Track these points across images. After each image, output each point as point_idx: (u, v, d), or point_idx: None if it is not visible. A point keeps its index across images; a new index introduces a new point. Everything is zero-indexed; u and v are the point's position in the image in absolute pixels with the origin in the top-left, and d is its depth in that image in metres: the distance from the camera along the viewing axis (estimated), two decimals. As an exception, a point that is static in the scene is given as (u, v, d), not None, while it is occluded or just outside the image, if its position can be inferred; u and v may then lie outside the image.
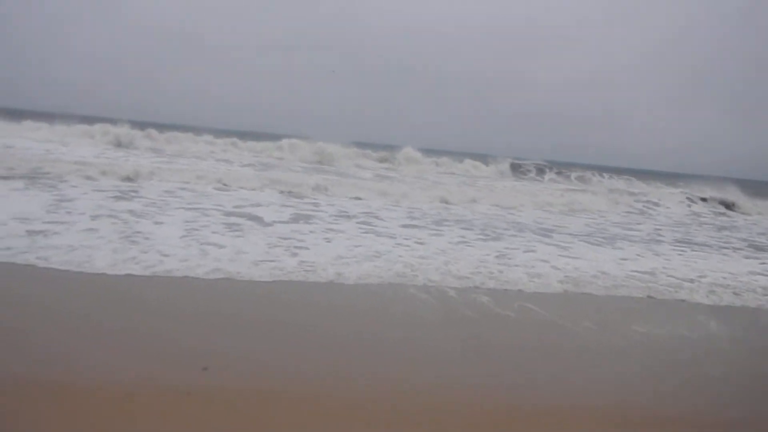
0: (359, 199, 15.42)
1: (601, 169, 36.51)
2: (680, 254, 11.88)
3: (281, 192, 14.94)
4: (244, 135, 30.85)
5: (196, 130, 29.70)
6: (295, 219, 11.39)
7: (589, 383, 4.89)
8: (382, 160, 29.27)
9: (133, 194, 12.24)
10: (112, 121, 27.47)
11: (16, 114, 30.47)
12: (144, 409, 3.71)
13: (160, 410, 3.69)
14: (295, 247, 8.63)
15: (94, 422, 3.52)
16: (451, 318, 6.22)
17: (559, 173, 33.72)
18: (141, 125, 28.76)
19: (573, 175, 33.43)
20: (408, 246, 9.63)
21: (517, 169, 32.99)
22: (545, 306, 6.89)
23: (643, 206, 22.21)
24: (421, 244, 10.00)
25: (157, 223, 9.41)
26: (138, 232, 8.43)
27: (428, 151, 32.18)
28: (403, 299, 6.69)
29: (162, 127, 29.68)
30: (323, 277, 7.16)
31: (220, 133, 29.80)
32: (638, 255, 11.11)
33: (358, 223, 11.77)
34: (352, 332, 5.57)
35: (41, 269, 6.37)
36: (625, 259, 10.46)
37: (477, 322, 6.18)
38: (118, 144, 24.16)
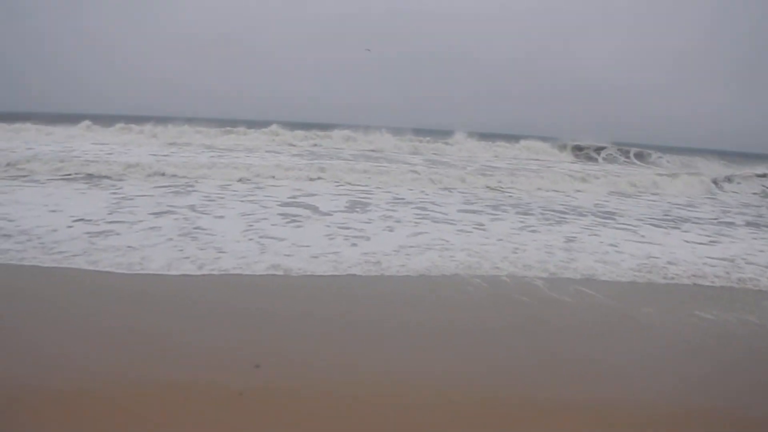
0: (413, 185, 15.00)
1: (657, 149, 34.72)
2: (755, 238, 11.01)
3: (335, 181, 14.66)
4: (292, 126, 30.71)
5: (246, 124, 29.81)
6: (351, 207, 11.07)
7: (691, 384, 4.38)
8: (432, 144, 28.64)
9: (191, 190, 12.16)
10: (164, 120, 27.88)
11: (74, 117, 31.09)
12: (197, 407, 3.51)
13: (213, 408, 3.50)
14: (355, 237, 8.29)
15: (152, 420, 3.33)
16: (527, 312, 5.74)
17: (620, 152, 32.02)
18: (191, 122, 29.03)
19: (632, 151, 31.83)
20: (470, 233, 9.18)
21: (575, 150, 31.55)
22: (624, 297, 6.36)
23: (712, 187, 20.90)
24: (482, 230, 9.54)
25: (217, 217, 9.22)
26: (198, 228, 8.23)
27: (480, 135, 31.40)
28: (473, 291, 6.23)
29: (212, 122, 29.89)
30: (387, 269, 6.74)
31: (266, 124, 29.69)
32: (711, 239, 10.36)
33: (414, 209, 11.38)
34: (416, 327, 5.14)
35: (101, 273, 6.13)
36: (699, 244, 9.73)
37: (558, 318, 5.68)
38: (172, 142, 24.29)
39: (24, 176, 12.91)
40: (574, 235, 9.57)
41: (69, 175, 13.11)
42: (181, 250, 7.00)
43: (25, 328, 4.66)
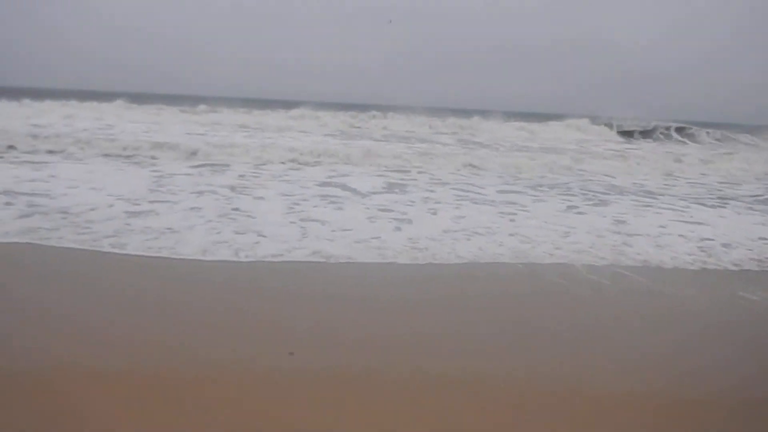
0: (449, 165, 14.53)
1: (699, 125, 33.24)
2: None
3: (369, 162, 14.25)
4: (322, 106, 30.29)
5: (277, 104, 29.50)
6: (390, 188, 10.68)
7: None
8: (463, 127, 27.96)
9: (227, 169, 11.91)
10: (196, 99, 27.75)
11: (108, 95, 31.14)
12: (230, 393, 3.27)
13: (246, 394, 3.27)
14: (397, 219, 7.89)
15: (186, 404, 3.10)
16: (591, 305, 5.30)
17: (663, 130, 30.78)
18: (226, 102, 28.83)
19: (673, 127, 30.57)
20: (514, 215, 8.72)
21: (617, 128, 30.42)
22: (690, 285, 5.89)
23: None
24: (526, 211, 9.08)
25: (257, 198, 8.91)
26: (237, 209, 7.92)
27: (514, 114, 30.63)
28: (527, 280, 5.80)
29: (245, 102, 29.67)
30: (435, 256, 6.27)
31: (295, 104, 29.27)
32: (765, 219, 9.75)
33: (453, 189, 10.97)
34: (467, 317, 4.74)
35: (129, 257, 5.76)
36: (756, 224, 9.14)
37: (625, 311, 5.25)
38: (208, 122, 24.06)
39: (60, 151, 12.81)
40: (621, 216, 9.05)
41: (111, 155, 12.96)
42: (219, 233, 6.67)
43: (46, 313, 4.36)
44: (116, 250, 5.86)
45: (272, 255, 5.98)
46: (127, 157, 12.73)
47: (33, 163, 11.38)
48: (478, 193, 10.73)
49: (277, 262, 5.81)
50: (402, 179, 11.94)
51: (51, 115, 21.74)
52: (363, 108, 30.18)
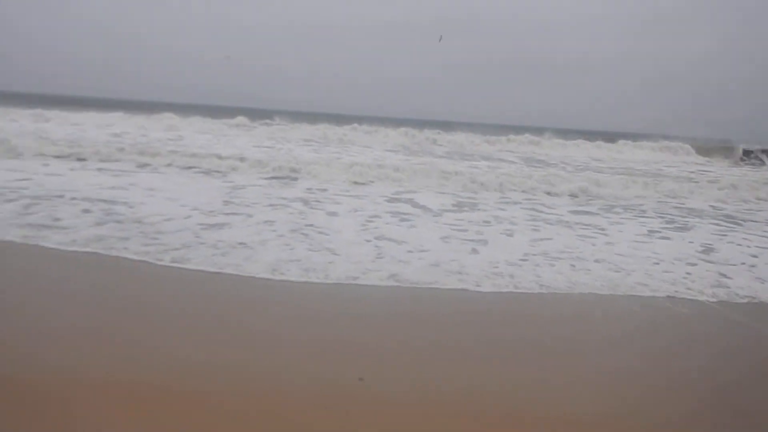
0: (515, 183, 14.00)
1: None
2: None
3: (435, 178, 13.86)
4: (377, 121, 29.99)
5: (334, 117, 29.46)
6: (459, 206, 10.29)
7: None
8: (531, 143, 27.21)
9: (296, 183, 11.81)
10: (259, 113, 28.03)
11: (185, 107, 31.83)
12: (300, 417, 3.08)
13: (316, 419, 3.09)
14: (472, 241, 7.48)
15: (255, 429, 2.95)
16: (705, 345, 4.78)
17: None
18: (288, 115, 28.99)
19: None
20: (593, 238, 8.18)
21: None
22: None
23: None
24: (605, 235, 8.52)
25: (330, 213, 8.69)
26: (311, 225, 7.70)
27: (572, 132, 29.76)
28: (625, 314, 5.32)
29: (303, 117, 29.75)
30: (517, 284, 5.78)
31: (347, 119, 28.97)
32: None
33: (524, 209, 10.48)
34: (555, 352, 4.31)
35: (199, 273, 5.53)
36: None
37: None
38: (274, 135, 24.14)
39: (138, 160, 12.98)
40: (709, 242, 8.37)
41: (184, 165, 13.05)
42: (292, 249, 6.42)
43: (101, 325, 4.18)
44: (176, 264, 5.65)
45: (347, 277, 5.65)
46: (200, 167, 12.76)
47: (112, 171, 11.57)
48: (551, 213, 10.22)
49: (353, 285, 5.48)
50: (470, 197, 11.52)
51: (123, 124, 22.38)
52: (418, 124, 29.82)
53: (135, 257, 5.78)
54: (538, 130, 29.29)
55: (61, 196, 8.38)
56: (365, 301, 5.22)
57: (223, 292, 5.18)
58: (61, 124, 21.67)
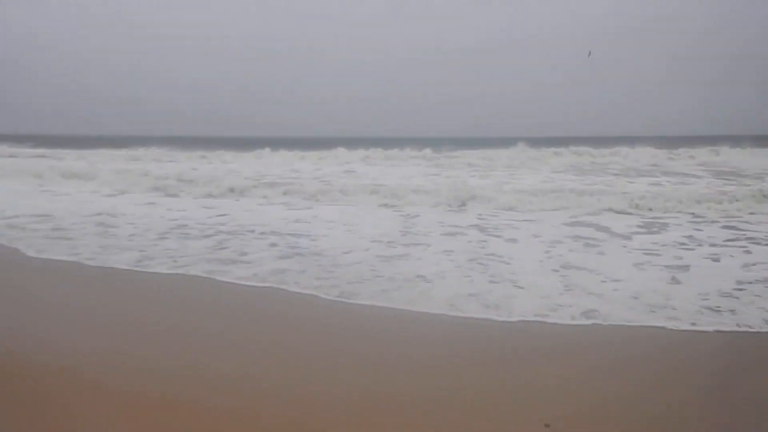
0: (705, 199, 12.45)
1: None
2: None
3: (614, 199, 12.77)
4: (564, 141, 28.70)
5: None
6: (648, 227, 9.34)
7: None
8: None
9: (466, 209, 11.62)
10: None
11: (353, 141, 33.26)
12: None
13: None
14: (670, 267, 6.63)
15: None
16: None
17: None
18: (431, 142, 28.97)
19: None
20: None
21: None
22: None
23: None
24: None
25: (509, 240, 8.35)
26: (491, 254, 7.37)
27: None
28: None
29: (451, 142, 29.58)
30: (739, 322, 4.89)
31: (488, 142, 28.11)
32: None
33: (724, 228, 9.22)
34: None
35: (369, 308, 5.39)
36: None
37: None
38: (438, 164, 23.97)
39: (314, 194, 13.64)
40: None
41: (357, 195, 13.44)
42: (471, 281, 6.12)
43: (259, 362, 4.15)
44: (343, 299, 5.59)
45: (533, 314, 5.13)
46: (376, 198, 13.00)
47: (289, 204, 12.32)
48: (758, 231, 8.90)
49: (539, 323, 4.97)
50: (656, 217, 10.45)
51: (300, 162, 24.06)
52: (583, 141, 28.19)
53: (307, 291, 5.85)
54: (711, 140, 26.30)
55: (252, 231, 8.98)
56: (555, 341, 4.64)
57: (388, 328, 4.96)
58: (247, 164, 23.88)
